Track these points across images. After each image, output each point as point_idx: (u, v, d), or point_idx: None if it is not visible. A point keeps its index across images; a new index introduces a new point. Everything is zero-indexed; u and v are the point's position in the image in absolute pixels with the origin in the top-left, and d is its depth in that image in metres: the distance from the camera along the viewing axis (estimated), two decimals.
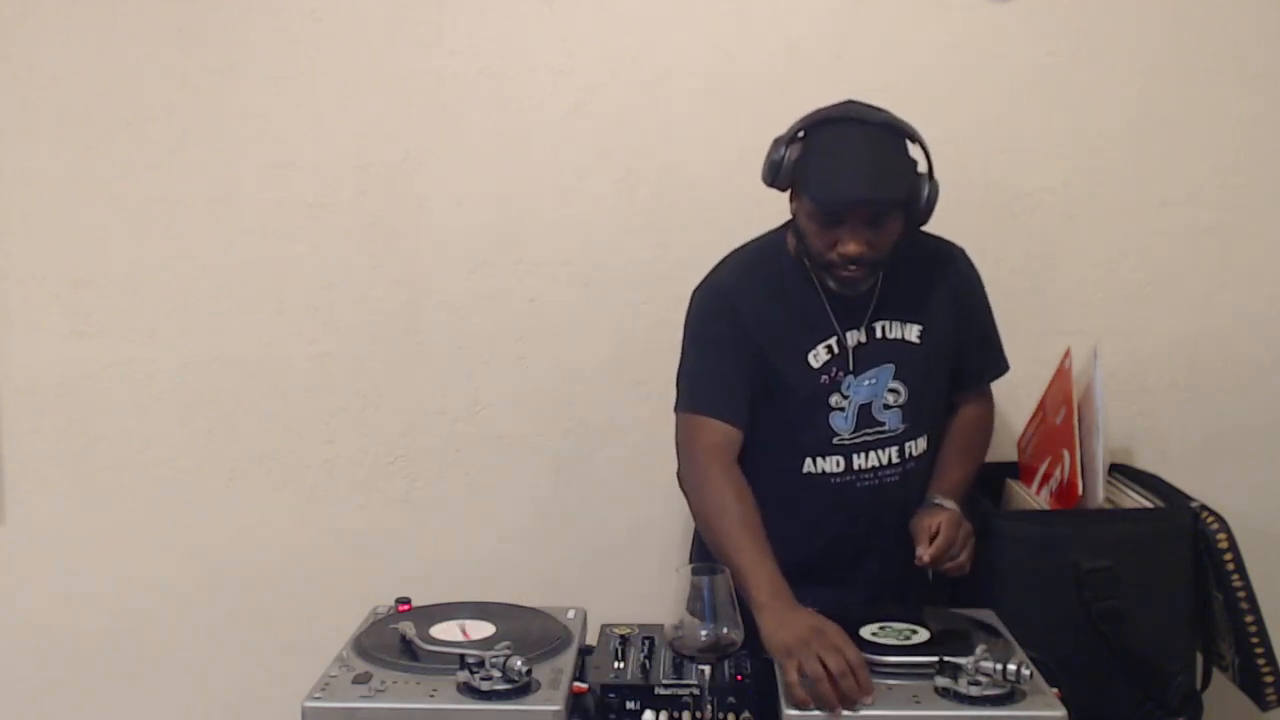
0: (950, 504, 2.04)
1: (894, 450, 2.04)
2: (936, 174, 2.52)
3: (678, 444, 2.06)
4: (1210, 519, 2.11)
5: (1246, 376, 2.57)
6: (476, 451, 2.65)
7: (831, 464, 2.02)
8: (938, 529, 1.95)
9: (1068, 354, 2.33)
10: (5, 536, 2.70)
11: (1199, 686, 2.17)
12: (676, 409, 2.06)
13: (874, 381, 2.02)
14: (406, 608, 1.93)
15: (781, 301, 2.02)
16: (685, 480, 2.06)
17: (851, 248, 1.89)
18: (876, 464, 2.03)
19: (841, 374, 2.01)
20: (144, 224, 2.62)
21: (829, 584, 1.99)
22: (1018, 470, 2.45)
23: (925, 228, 2.05)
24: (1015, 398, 2.50)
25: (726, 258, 2.10)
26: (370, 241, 2.61)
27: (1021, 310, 2.56)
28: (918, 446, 2.07)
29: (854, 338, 2.01)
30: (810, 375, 2.00)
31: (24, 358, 2.65)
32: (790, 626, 1.71)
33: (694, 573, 1.64)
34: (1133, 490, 2.29)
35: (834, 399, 2.01)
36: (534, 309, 2.61)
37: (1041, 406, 2.39)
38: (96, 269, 2.63)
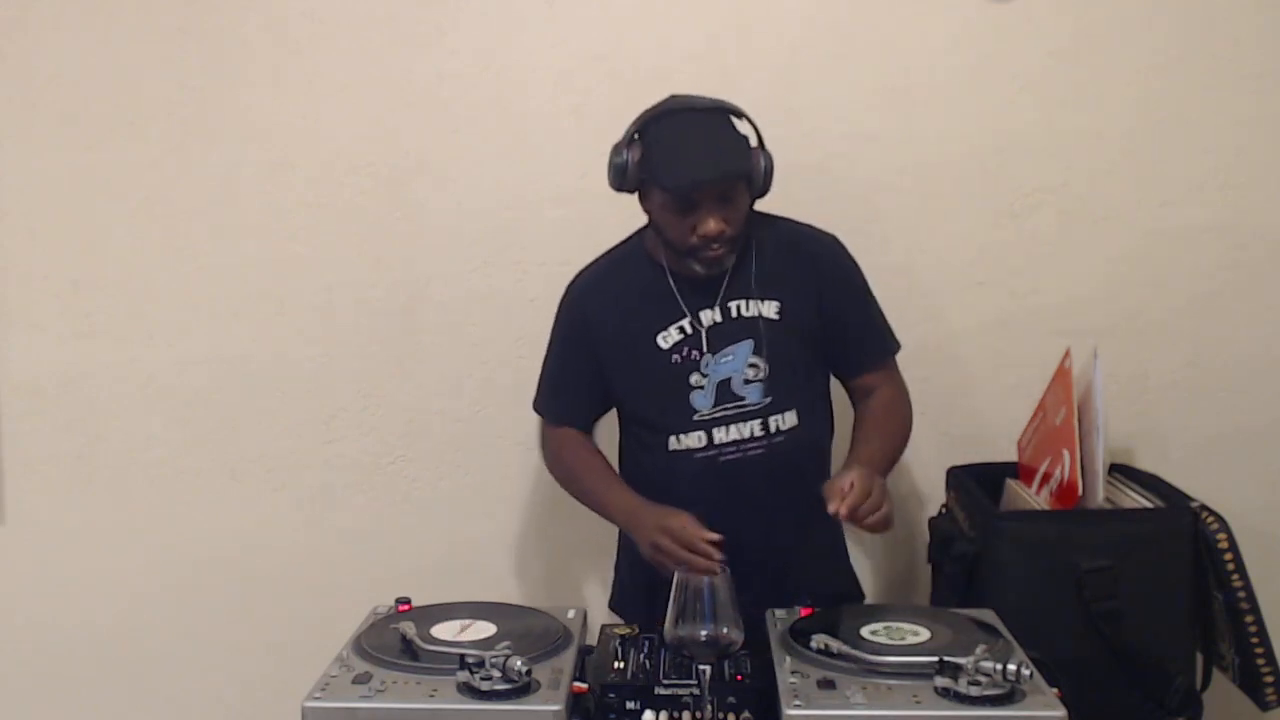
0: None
1: (756, 424, 2.09)
2: (937, 175, 2.55)
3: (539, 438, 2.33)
4: (1210, 519, 2.11)
5: (1246, 376, 2.57)
6: (476, 451, 2.65)
7: (694, 440, 2.10)
8: (850, 485, 1.89)
9: (1068, 354, 2.33)
10: (5, 536, 2.70)
11: (1199, 686, 2.17)
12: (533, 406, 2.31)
13: (732, 358, 2.09)
14: (406, 608, 1.93)
15: (631, 293, 2.14)
16: (551, 471, 2.30)
17: (711, 225, 1.99)
18: (738, 437, 2.09)
19: (697, 353, 2.09)
20: (144, 224, 2.62)
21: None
22: (1018, 470, 2.45)
23: (803, 218, 2.18)
24: (1015, 398, 2.51)
25: (590, 263, 2.23)
26: (370, 241, 2.61)
27: (1021, 310, 2.56)
28: (784, 421, 2.11)
29: (709, 317, 2.10)
30: (660, 356, 2.10)
31: (24, 358, 2.65)
32: (643, 535, 2.00)
33: (692, 574, 1.64)
34: (1133, 490, 2.29)
35: (694, 378, 2.10)
36: (534, 309, 2.60)
37: (1041, 406, 2.39)
38: (96, 269, 2.63)
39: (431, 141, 2.58)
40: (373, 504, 2.68)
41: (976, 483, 2.34)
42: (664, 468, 2.13)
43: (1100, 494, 2.21)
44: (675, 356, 2.10)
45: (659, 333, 2.10)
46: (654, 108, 2.05)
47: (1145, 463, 2.51)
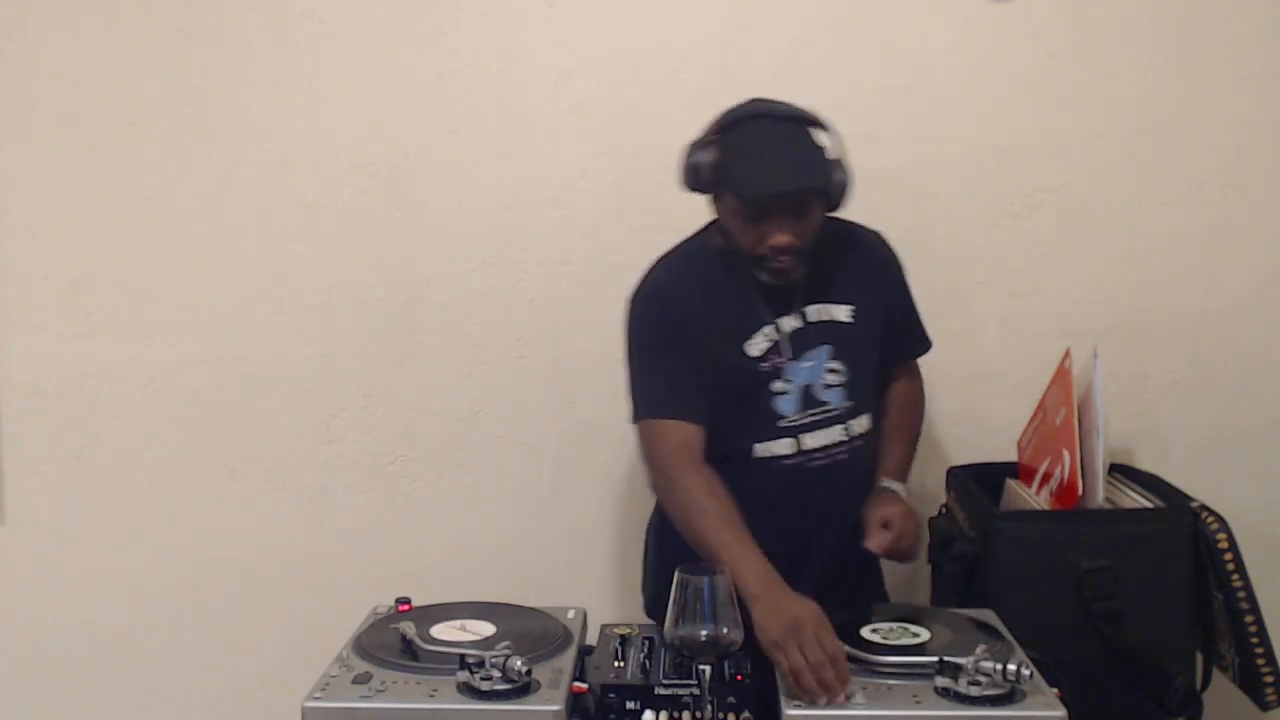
0: (900, 488, 2.11)
1: (839, 428, 2.08)
2: (937, 175, 2.55)
3: (643, 454, 2.08)
4: (1210, 519, 2.11)
5: (1246, 376, 2.57)
6: (476, 451, 2.65)
7: (782, 447, 2.06)
8: (889, 521, 2.02)
9: (1068, 354, 2.33)
10: (5, 536, 2.70)
11: (1199, 686, 2.17)
12: (633, 420, 2.08)
13: (813, 364, 2.07)
14: (406, 608, 1.93)
15: (713, 298, 2.07)
16: (657, 487, 2.08)
17: (781, 239, 1.95)
18: (826, 443, 2.07)
19: (782, 360, 2.06)
20: (144, 224, 2.62)
21: (786, 570, 1.98)
22: (1018, 470, 2.45)
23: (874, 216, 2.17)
24: (1015, 398, 2.51)
25: (655, 263, 2.14)
26: (370, 241, 2.61)
27: (1021, 310, 2.56)
28: (861, 424, 2.11)
29: (789, 324, 2.07)
30: (750, 364, 2.06)
31: (24, 358, 2.65)
32: (775, 618, 1.72)
33: (692, 573, 1.64)
34: (1133, 490, 2.29)
35: (776, 385, 2.06)
36: (534, 309, 2.61)
37: (1041, 406, 2.39)
38: (96, 269, 2.63)
39: (431, 141, 2.58)
40: (373, 504, 2.68)
41: (976, 483, 2.34)
42: (748, 475, 2.04)
43: (1100, 494, 2.21)
44: (764, 364, 2.05)
45: (745, 340, 2.05)
46: (735, 109, 2.00)
47: (1145, 463, 2.51)
